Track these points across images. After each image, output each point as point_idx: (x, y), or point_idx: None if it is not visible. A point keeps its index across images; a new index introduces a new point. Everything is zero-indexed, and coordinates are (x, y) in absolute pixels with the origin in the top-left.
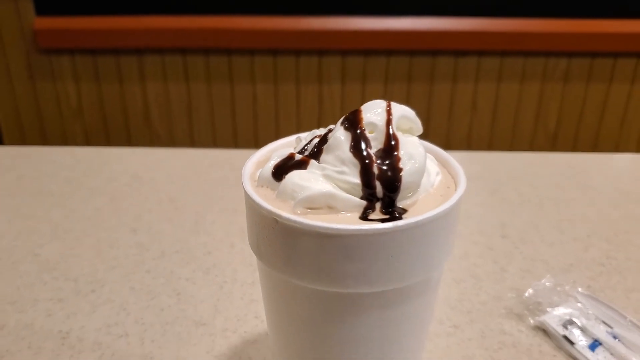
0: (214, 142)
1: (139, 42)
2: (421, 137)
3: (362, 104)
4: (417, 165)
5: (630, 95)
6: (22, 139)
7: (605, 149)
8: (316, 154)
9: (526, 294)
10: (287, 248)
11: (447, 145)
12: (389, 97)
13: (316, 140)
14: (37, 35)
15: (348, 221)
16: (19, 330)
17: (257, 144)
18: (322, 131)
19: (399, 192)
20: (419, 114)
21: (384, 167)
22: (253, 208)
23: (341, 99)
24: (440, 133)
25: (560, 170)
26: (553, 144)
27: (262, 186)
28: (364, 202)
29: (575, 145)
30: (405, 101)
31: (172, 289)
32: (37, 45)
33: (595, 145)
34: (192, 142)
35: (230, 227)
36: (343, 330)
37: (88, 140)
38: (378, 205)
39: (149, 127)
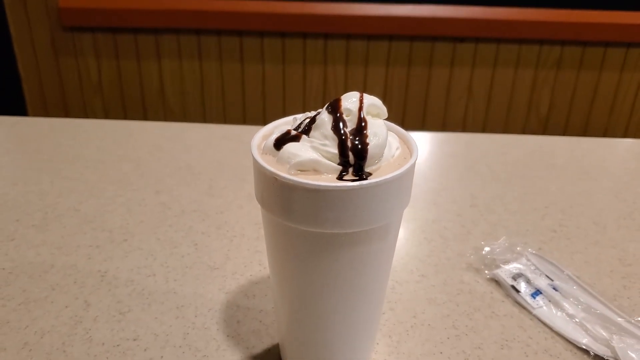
0: (225, 118)
1: (156, 22)
2: (419, 118)
3: (364, 86)
4: (380, 141)
5: (620, 83)
6: (46, 112)
7: (594, 134)
8: (307, 130)
9: (483, 252)
10: (283, 199)
11: (443, 127)
12: (389, 80)
13: (307, 120)
14: (61, 13)
15: (328, 180)
16: (65, 269)
17: (265, 120)
18: (312, 114)
19: (366, 161)
20: (417, 96)
21: (356, 142)
22: (259, 169)
23: (344, 81)
24: (437, 115)
25: (530, 151)
26: (545, 129)
27: (266, 154)
28: (340, 167)
29: (565, 130)
30: (405, 84)
31: (190, 240)
32: (61, 23)
33: (585, 130)
34: (204, 118)
35: (239, 192)
36: (322, 264)
37: (106, 113)
38: (351, 169)
39: (164, 103)
